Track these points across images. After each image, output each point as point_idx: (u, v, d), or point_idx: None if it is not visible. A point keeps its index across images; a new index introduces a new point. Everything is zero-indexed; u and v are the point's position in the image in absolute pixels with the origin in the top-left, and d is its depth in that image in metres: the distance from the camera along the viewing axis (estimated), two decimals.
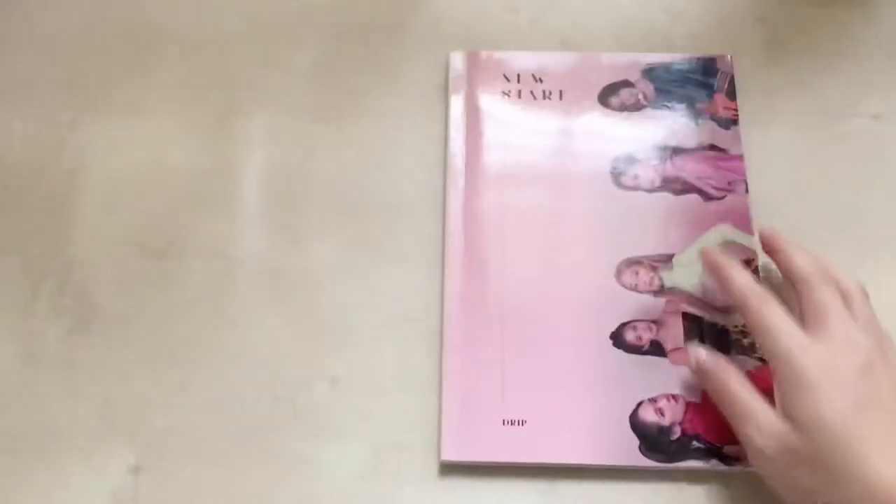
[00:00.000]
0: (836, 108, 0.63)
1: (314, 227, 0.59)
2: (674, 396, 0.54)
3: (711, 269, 0.54)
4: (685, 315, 0.56)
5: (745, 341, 0.55)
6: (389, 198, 0.60)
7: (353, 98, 0.64)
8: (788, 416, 0.47)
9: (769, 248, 0.55)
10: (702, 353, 0.52)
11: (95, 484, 0.53)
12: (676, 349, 0.55)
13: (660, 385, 0.54)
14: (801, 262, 0.52)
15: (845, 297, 0.51)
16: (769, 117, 0.63)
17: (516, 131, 0.61)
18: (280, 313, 0.57)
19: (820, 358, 0.47)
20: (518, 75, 0.63)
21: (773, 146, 0.61)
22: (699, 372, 0.53)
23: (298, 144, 0.62)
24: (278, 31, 0.66)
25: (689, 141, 0.61)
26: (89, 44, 0.65)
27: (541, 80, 0.63)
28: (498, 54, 0.64)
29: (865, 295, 0.52)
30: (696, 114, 0.62)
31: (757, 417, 0.48)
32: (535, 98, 0.62)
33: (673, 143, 0.61)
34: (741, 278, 0.52)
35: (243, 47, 0.65)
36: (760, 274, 0.57)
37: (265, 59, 0.65)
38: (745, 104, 0.62)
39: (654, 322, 0.56)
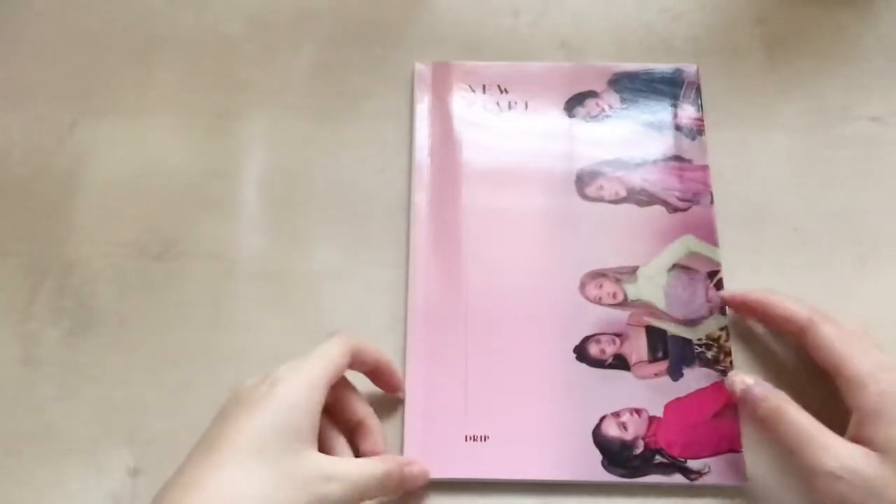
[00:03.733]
0: (836, 109, 0.62)
1: (313, 228, 0.59)
2: (637, 410, 0.52)
3: (743, 307, 0.54)
4: (649, 328, 0.54)
5: (709, 354, 0.53)
6: (386, 200, 0.59)
7: (351, 100, 0.63)
8: (872, 443, 0.45)
9: (752, 308, 0.53)
10: (748, 379, 0.49)
11: (94, 486, 0.52)
12: (640, 362, 0.53)
13: (623, 399, 0.53)
14: (797, 312, 0.51)
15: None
16: (768, 119, 0.61)
17: (481, 143, 0.60)
18: (278, 315, 0.56)
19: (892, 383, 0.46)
20: (483, 86, 0.62)
21: (773, 148, 0.60)
22: (745, 401, 0.49)
23: (297, 146, 0.61)
24: (277, 33, 0.65)
25: (654, 152, 0.59)
26: (89, 44, 0.65)
27: (506, 91, 0.61)
28: (463, 64, 0.63)
29: None
30: (662, 124, 0.60)
31: (829, 444, 0.45)
32: (500, 109, 0.61)
33: (638, 153, 0.59)
34: (790, 302, 0.51)
35: (242, 49, 0.65)
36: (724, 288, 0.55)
37: (264, 60, 0.64)
38: (745, 106, 0.62)
39: (618, 335, 0.54)
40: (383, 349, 0.52)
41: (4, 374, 0.55)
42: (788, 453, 0.47)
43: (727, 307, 0.55)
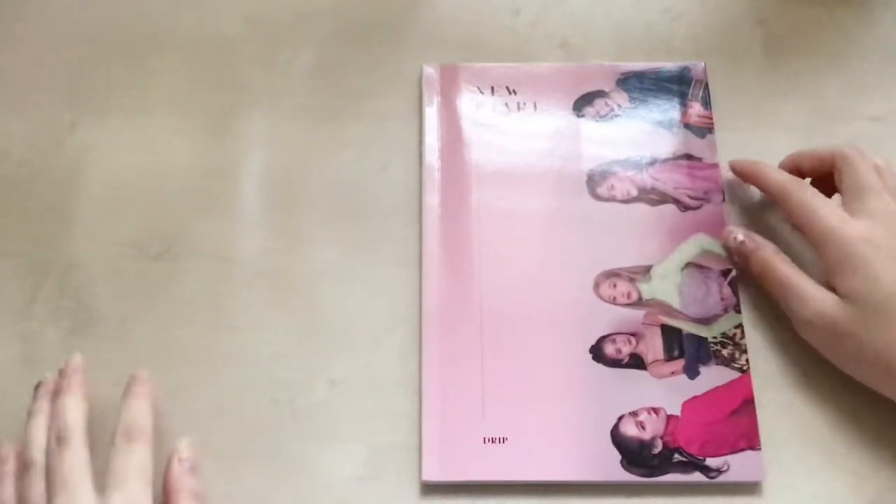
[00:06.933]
0: (836, 109, 0.61)
1: (313, 228, 0.57)
2: (654, 409, 0.51)
3: (743, 175, 0.56)
4: (664, 327, 0.53)
5: (725, 352, 0.52)
6: (388, 200, 0.58)
7: (352, 100, 0.61)
8: (838, 292, 0.48)
9: (748, 178, 0.56)
10: (739, 233, 0.53)
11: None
12: (656, 361, 0.52)
13: (640, 398, 0.51)
14: (832, 147, 0.52)
15: (879, 172, 0.51)
16: (769, 120, 0.60)
17: (491, 144, 0.58)
18: (279, 315, 0.55)
19: (863, 233, 0.48)
20: (492, 87, 0.60)
21: (774, 148, 0.58)
22: (738, 253, 0.53)
23: (297, 146, 0.60)
24: (278, 33, 0.64)
25: (664, 150, 0.58)
26: (89, 44, 0.63)
27: (514, 92, 0.60)
28: (471, 66, 0.61)
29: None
30: (671, 123, 0.59)
31: (805, 293, 0.49)
32: (509, 110, 0.59)
33: (648, 152, 0.58)
34: (776, 173, 0.53)
35: (243, 49, 0.63)
36: (739, 285, 0.54)
37: (264, 60, 0.63)
38: (745, 106, 0.60)
39: (633, 335, 0.53)
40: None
41: (4, 374, 0.53)
42: (778, 302, 0.51)
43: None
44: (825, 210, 0.49)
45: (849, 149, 0.52)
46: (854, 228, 0.48)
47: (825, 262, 0.49)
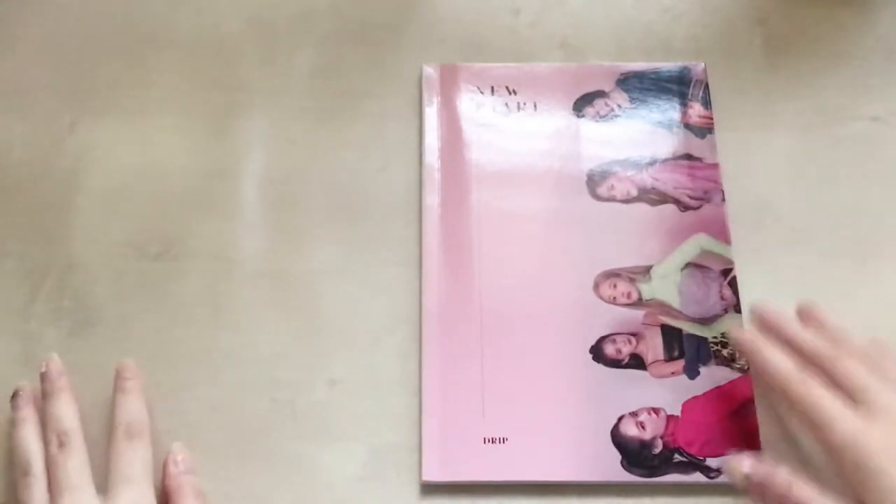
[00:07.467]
0: (836, 110, 0.60)
1: (313, 228, 0.57)
2: (655, 410, 0.51)
3: (742, 351, 0.51)
4: (664, 327, 0.53)
5: (725, 352, 0.52)
6: (388, 200, 0.58)
7: (352, 100, 0.61)
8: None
9: (765, 328, 0.50)
10: (746, 464, 0.45)
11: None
12: (656, 362, 0.52)
13: (640, 399, 0.51)
14: (810, 344, 0.48)
15: (868, 359, 0.47)
16: (769, 120, 0.60)
17: (491, 145, 0.58)
18: (279, 315, 0.55)
19: (880, 440, 0.43)
20: (492, 87, 0.60)
21: (773, 148, 0.59)
22: (749, 491, 0.45)
23: (297, 146, 0.60)
24: (278, 34, 0.63)
25: (665, 150, 0.58)
26: (89, 45, 0.63)
27: (514, 92, 0.59)
28: (471, 66, 0.61)
29: (885, 345, 0.48)
30: (671, 123, 0.58)
31: None
32: (509, 110, 0.59)
33: (648, 152, 0.58)
34: (777, 361, 0.47)
35: (243, 49, 0.63)
36: (739, 288, 0.54)
37: (265, 60, 0.62)
38: (745, 106, 0.60)
39: (634, 335, 0.53)
40: None
41: (4, 374, 0.53)
42: None
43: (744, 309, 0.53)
44: (836, 419, 0.44)
45: (821, 348, 0.47)
46: (871, 439, 0.43)
47: (845, 476, 0.44)
